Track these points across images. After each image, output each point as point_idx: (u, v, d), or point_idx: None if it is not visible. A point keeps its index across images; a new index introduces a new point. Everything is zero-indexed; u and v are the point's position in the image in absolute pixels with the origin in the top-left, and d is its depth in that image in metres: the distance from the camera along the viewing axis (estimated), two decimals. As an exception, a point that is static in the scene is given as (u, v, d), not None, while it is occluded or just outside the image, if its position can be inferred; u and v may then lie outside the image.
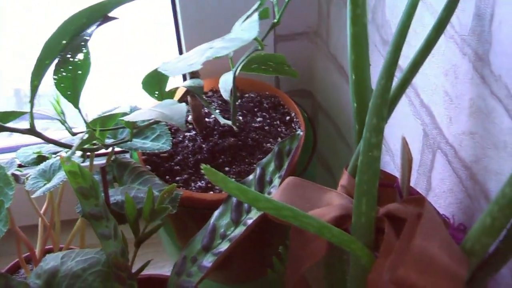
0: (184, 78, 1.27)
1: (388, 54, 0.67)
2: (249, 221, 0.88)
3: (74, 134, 0.90)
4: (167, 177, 1.04)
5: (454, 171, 0.79)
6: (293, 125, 1.12)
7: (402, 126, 0.94)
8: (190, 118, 1.10)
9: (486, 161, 0.71)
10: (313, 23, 1.29)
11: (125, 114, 0.88)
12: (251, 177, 0.92)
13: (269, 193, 0.90)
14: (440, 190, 0.85)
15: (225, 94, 0.86)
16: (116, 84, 1.51)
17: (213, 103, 1.15)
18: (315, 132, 1.12)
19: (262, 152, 1.06)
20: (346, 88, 1.18)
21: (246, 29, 0.58)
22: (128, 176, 0.99)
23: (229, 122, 0.87)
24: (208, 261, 0.88)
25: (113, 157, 1.00)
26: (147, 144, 1.00)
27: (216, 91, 1.21)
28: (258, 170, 0.91)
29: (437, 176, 0.85)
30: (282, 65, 0.96)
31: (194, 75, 0.97)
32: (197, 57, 0.58)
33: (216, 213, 0.91)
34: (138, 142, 1.00)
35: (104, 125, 0.87)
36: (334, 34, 1.20)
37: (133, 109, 0.96)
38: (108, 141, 0.98)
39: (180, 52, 1.25)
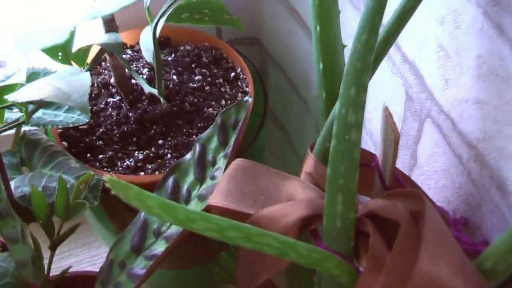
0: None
1: (370, 1, 0.48)
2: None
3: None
4: (88, 155, 0.84)
5: (451, 148, 0.61)
6: (239, 83, 0.92)
7: (375, 86, 0.74)
8: (112, 80, 0.89)
9: (501, 141, 0.53)
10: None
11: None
12: (188, 156, 0.73)
13: (213, 178, 0.71)
14: (429, 169, 0.67)
15: (147, 55, 0.66)
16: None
17: (140, 60, 0.94)
18: (265, 91, 0.92)
19: (203, 119, 0.86)
20: (301, 35, 0.98)
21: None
22: (39, 157, 0.79)
23: (155, 91, 0.66)
24: (139, 267, 0.71)
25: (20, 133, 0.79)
26: (59, 116, 0.80)
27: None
28: (197, 147, 0.72)
29: (426, 151, 0.67)
30: (221, 12, 0.76)
31: (110, 27, 0.76)
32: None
33: (146, 203, 0.72)
34: (48, 115, 0.80)
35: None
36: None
37: (31, 74, 0.74)
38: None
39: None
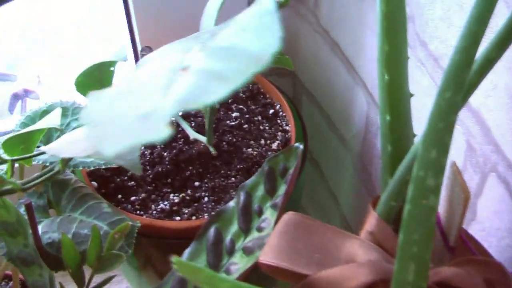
0: (136, 57, 1.02)
1: (456, 53, 0.43)
2: (233, 268, 0.65)
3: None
4: (119, 196, 0.79)
5: (521, 207, 0.57)
6: (278, 120, 0.88)
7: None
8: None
9: None
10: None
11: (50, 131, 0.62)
12: (231, 203, 0.68)
13: (260, 229, 0.66)
14: (491, 225, 0.63)
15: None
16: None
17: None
18: (305, 131, 0.87)
19: (242, 160, 0.81)
20: (341, 70, 0.94)
21: (253, 30, 0.30)
22: (68, 200, 0.75)
23: (203, 139, 0.62)
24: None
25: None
26: (90, 156, 0.75)
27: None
28: (241, 195, 0.67)
29: (488, 207, 0.63)
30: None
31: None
32: (154, 94, 0.29)
33: (185, 253, 0.68)
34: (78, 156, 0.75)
35: (24, 147, 0.62)
36: (326, 2, 0.95)
37: (68, 108, 0.70)
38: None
39: (133, 43, 0.96)
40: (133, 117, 0.27)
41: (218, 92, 0.27)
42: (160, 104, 0.27)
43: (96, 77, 0.64)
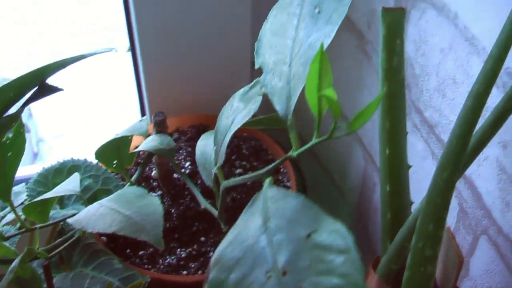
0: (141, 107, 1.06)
1: (453, 138, 0.48)
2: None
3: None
4: (128, 250, 0.83)
5: (510, 270, 0.61)
6: (280, 177, 0.92)
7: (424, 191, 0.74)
8: (154, 173, 0.89)
9: None
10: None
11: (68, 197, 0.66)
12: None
13: None
14: (483, 283, 0.67)
15: (206, 177, 0.65)
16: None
17: (180, 151, 0.94)
18: (305, 186, 0.92)
19: (245, 215, 0.85)
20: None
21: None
22: (79, 256, 0.78)
23: (214, 212, 0.66)
24: None
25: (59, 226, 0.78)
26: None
27: (182, 131, 1.00)
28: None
29: (480, 266, 0.67)
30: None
31: (161, 128, 0.76)
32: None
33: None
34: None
35: (41, 210, 0.65)
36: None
37: (72, 167, 0.74)
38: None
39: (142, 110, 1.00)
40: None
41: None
42: None
43: (115, 146, 0.68)
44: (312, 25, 0.52)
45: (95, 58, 0.61)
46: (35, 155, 1.59)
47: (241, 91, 0.60)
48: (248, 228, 0.45)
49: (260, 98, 0.56)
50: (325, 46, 0.51)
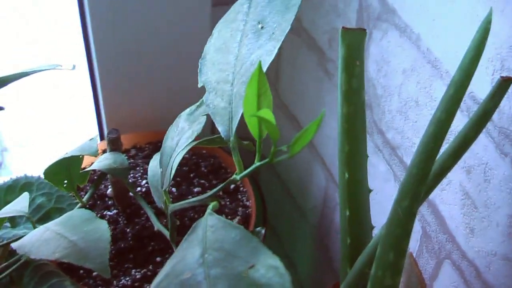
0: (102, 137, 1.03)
1: (413, 167, 0.46)
2: None
3: None
4: (81, 271, 0.80)
5: (474, 296, 0.60)
6: (239, 195, 0.90)
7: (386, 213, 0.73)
8: (109, 191, 0.86)
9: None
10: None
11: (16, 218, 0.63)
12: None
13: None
14: (447, 309, 0.65)
15: (157, 197, 0.62)
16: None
17: (137, 168, 0.91)
18: (265, 206, 0.89)
19: (203, 236, 0.83)
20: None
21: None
22: (30, 277, 0.74)
23: (166, 233, 0.64)
24: None
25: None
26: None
27: (140, 148, 0.97)
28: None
29: (443, 291, 0.65)
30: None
31: (115, 146, 0.73)
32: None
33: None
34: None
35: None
36: (286, 77, 0.98)
37: (25, 184, 0.71)
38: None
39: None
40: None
41: None
42: None
43: (65, 165, 0.65)
44: (254, 41, 0.51)
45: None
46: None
47: (188, 110, 0.58)
48: (185, 258, 0.43)
49: (204, 119, 0.55)
50: (266, 64, 0.49)
